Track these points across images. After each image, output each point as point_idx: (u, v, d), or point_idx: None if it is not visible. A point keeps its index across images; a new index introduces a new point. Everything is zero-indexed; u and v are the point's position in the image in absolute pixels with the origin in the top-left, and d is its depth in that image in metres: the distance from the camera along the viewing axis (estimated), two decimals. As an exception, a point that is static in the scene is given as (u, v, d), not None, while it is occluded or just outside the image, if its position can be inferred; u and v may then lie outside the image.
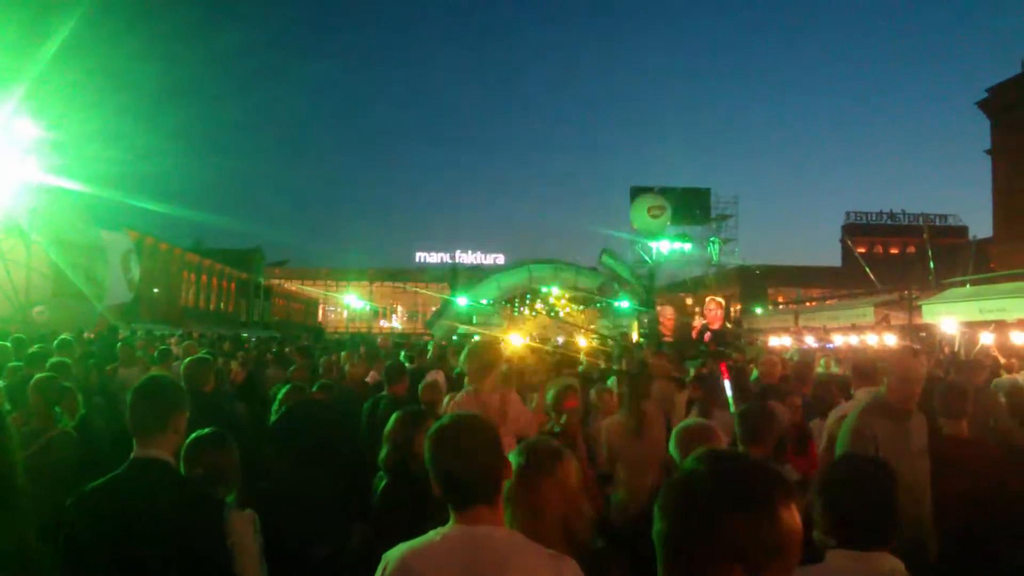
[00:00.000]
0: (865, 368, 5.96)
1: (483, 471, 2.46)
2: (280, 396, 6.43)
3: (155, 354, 10.33)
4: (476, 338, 6.36)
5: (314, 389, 7.04)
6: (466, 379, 5.71)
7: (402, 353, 13.61)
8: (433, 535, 2.44)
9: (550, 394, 6.28)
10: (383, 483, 4.24)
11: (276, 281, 64.09)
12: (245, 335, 27.65)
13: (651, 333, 35.34)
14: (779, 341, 23.14)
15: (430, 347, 15.41)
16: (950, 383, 5.28)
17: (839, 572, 2.55)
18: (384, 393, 7.41)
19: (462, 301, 46.07)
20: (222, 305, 44.25)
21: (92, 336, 16.71)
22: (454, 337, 29.25)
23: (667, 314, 39.36)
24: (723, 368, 7.27)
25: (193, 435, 3.63)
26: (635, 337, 31.53)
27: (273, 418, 6.53)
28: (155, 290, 29.10)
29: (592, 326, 46.45)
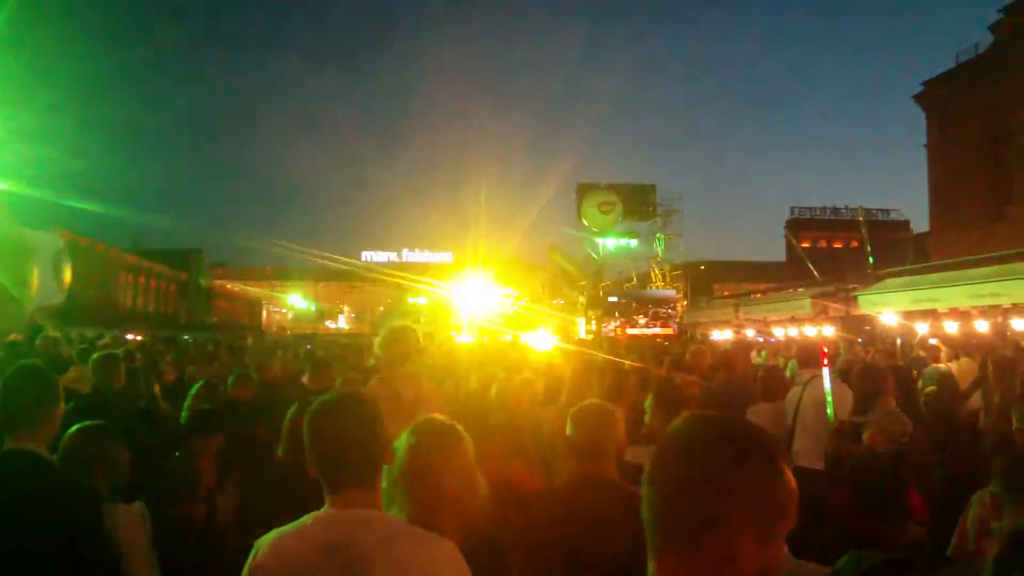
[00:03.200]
0: (804, 355, 6.85)
1: (360, 451, 2.33)
2: (193, 393, 6.24)
3: (74, 353, 10.03)
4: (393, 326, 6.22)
5: (229, 383, 6.78)
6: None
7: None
8: (305, 519, 2.32)
9: (494, 387, 6.22)
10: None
11: (218, 282, 63.18)
12: (185, 337, 27.16)
13: (598, 329, 35.53)
14: (721, 335, 23.41)
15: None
16: (868, 366, 5.40)
17: None
18: (309, 387, 7.22)
19: (419, 300, 45.97)
20: (161, 307, 43.46)
21: (18, 338, 16.21)
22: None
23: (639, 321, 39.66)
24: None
25: (73, 427, 3.52)
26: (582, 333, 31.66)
27: (184, 415, 6.35)
28: (88, 292, 28.44)
29: (540, 323, 46.67)
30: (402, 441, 2.59)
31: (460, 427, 2.78)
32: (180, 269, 47.57)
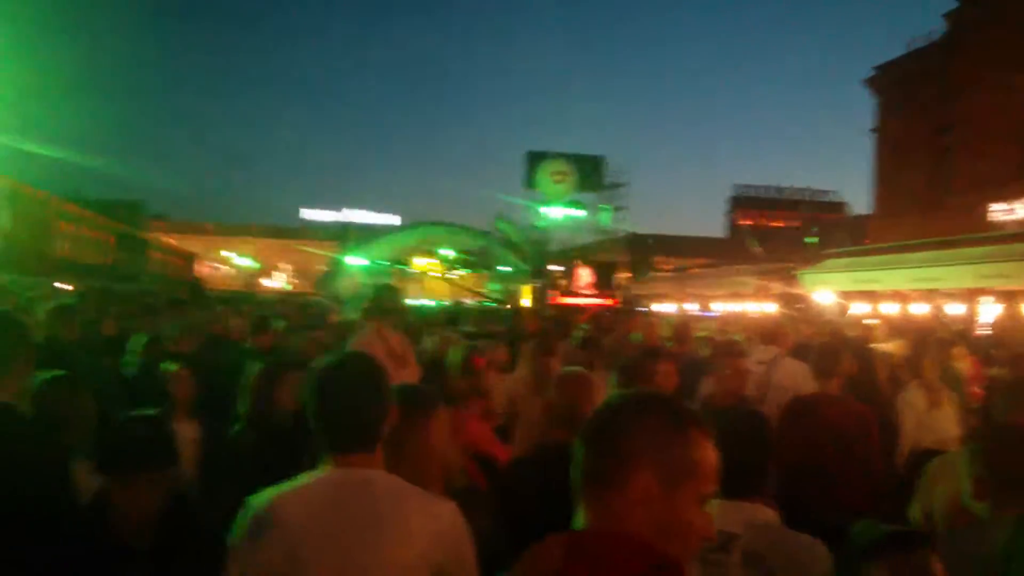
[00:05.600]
0: (768, 332, 7.31)
1: (370, 415, 2.33)
2: (137, 348, 6.14)
3: (21, 302, 9.79)
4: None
5: (170, 338, 6.68)
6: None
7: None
8: (305, 478, 2.31)
9: (455, 354, 6.27)
10: (237, 428, 4.11)
11: (156, 235, 61.77)
12: (122, 288, 26.57)
13: (541, 298, 35.65)
14: (663, 308, 23.74)
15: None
16: (824, 345, 5.56)
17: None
18: (248, 345, 7.16)
19: (361, 261, 45.52)
20: (98, 257, 42.37)
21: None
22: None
23: (582, 275, 39.78)
24: None
25: (40, 377, 3.39)
26: (527, 302, 31.78)
27: (129, 370, 6.26)
28: (24, 238, 27.64)
29: (482, 289, 46.74)
30: None
31: (434, 389, 2.83)
32: (119, 220, 46.38)
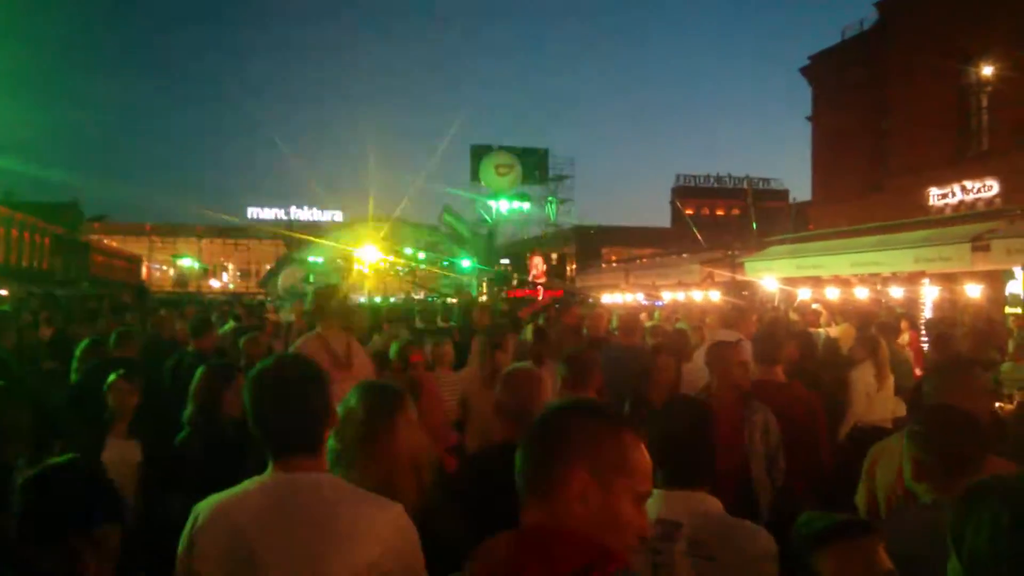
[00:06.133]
0: (730, 317, 7.63)
1: (307, 417, 2.30)
2: (79, 353, 6.05)
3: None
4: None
5: (112, 342, 6.56)
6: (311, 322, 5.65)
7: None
8: (248, 484, 2.28)
9: (393, 348, 6.29)
10: (182, 436, 4.03)
11: (95, 237, 60.48)
12: (59, 293, 26.01)
13: (492, 292, 35.63)
14: (611, 298, 23.85)
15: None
16: (765, 332, 5.65)
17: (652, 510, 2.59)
18: (189, 348, 7.02)
19: (314, 258, 45.09)
20: (35, 262, 41.38)
21: None
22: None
23: (537, 264, 39.80)
24: None
25: None
26: (479, 296, 31.73)
27: (73, 377, 6.16)
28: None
29: (432, 284, 46.63)
30: (353, 403, 2.57)
31: (406, 392, 2.80)
32: (55, 223, 45.29)
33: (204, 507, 2.27)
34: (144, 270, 69.95)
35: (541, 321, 9.79)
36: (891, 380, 6.78)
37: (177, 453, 4.05)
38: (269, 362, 2.46)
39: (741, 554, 2.52)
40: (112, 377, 4.78)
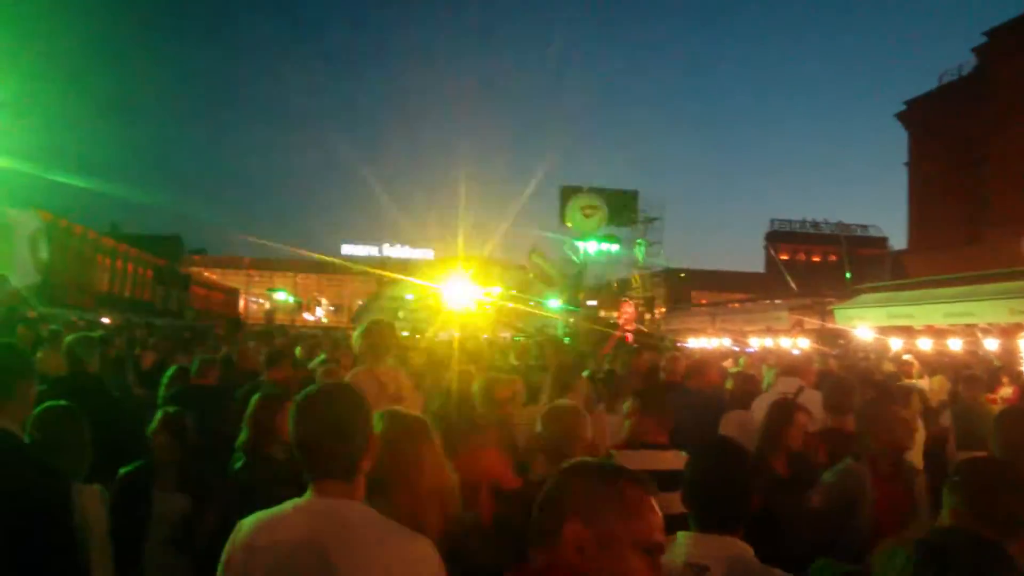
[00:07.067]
0: (791, 365, 7.34)
1: (343, 442, 2.34)
2: (165, 380, 6.29)
3: (45, 334, 9.95)
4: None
5: (193, 371, 6.78)
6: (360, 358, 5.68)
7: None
8: (287, 505, 2.35)
9: (478, 385, 6.18)
10: (238, 464, 4.09)
11: (195, 269, 62.70)
12: (159, 323, 26.96)
13: (576, 332, 35.50)
14: (698, 343, 23.54)
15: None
16: (837, 380, 5.46)
17: (682, 552, 2.56)
18: (263, 378, 7.16)
19: (406, 296, 45.79)
20: (137, 292, 43.04)
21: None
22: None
23: (627, 310, 39.60)
24: None
25: (41, 406, 3.48)
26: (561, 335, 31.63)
27: (161, 401, 6.39)
28: (65, 273, 28.17)
29: (519, 324, 46.72)
30: (378, 430, 2.60)
31: (425, 418, 2.84)
32: (158, 255, 47.17)
33: (247, 523, 2.35)
34: (241, 303, 72.07)
35: (608, 364, 9.71)
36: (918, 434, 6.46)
37: (233, 476, 4.13)
38: (314, 389, 2.51)
39: None
40: (152, 426, 4.81)
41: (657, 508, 1.87)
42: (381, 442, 2.55)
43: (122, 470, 4.28)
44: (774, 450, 4.61)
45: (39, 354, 7.77)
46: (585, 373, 8.44)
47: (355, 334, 5.98)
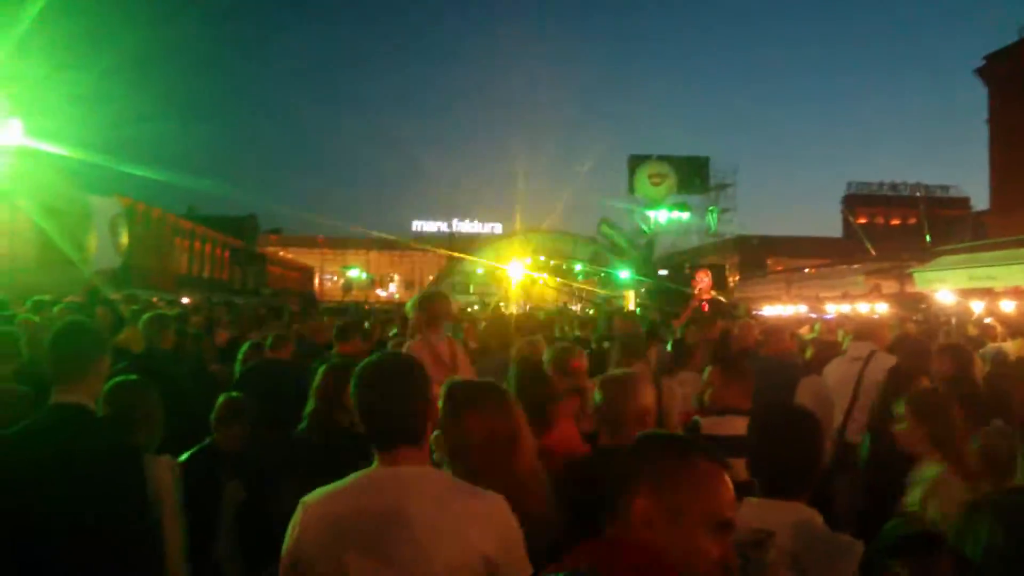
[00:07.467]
0: (864, 328, 7.00)
1: (406, 408, 2.38)
2: (240, 356, 6.45)
3: (127, 314, 10.25)
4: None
5: (267, 346, 6.92)
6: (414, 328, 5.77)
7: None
8: (357, 475, 2.37)
9: (548, 353, 6.16)
10: (302, 429, 4.17)
11: (271, 249, 63.92)
12: (238, 301, 27.58)
13: (647, 303, 35.27)
14: (773, 310, 23.14)
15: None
16: (912, 343, 5.32)
17: (747, 518, 2.51)
18: (334, 352, 7.27)
19: (476, 270, 46.14)
20: (215, 272, 44.10)
21: (76, 300, 16.59)
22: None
23: (702, 279, 39.16)
24: None
25: (112, 380, 3.56)
26: (631, 306, 31.47)
27: (235, 377, 6.56)
28: (144, 256, 29.00)
29: (589, 295, 46.61)
30: (442, 399, 2.67)
31: (497, 384, 2.88)
32: (234, 235, 48.17)
33: (312, 498, 2.35)
34: (316, 280, 73.35)
35: (680, 333, 9.60)
36: None
37: (294, 442, 4.21)
38: (374, 358, 2.55)
39: (834, 569, 2.42)
40: (215, 412, 4.83)
41: (729, 483, 1.84)
42: (447, 408, 2.62)
43: (182, 456, 4.33)
44: (889, 417, 4.51)
45: (122, 333, 8.04)
46: (668, 344, 8.41)
47: (408, 304, 6.08)
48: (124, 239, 24.08)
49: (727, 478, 1.85)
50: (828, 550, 2.47)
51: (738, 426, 4.24)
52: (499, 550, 2.28)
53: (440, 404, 2.67)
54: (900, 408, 3.80)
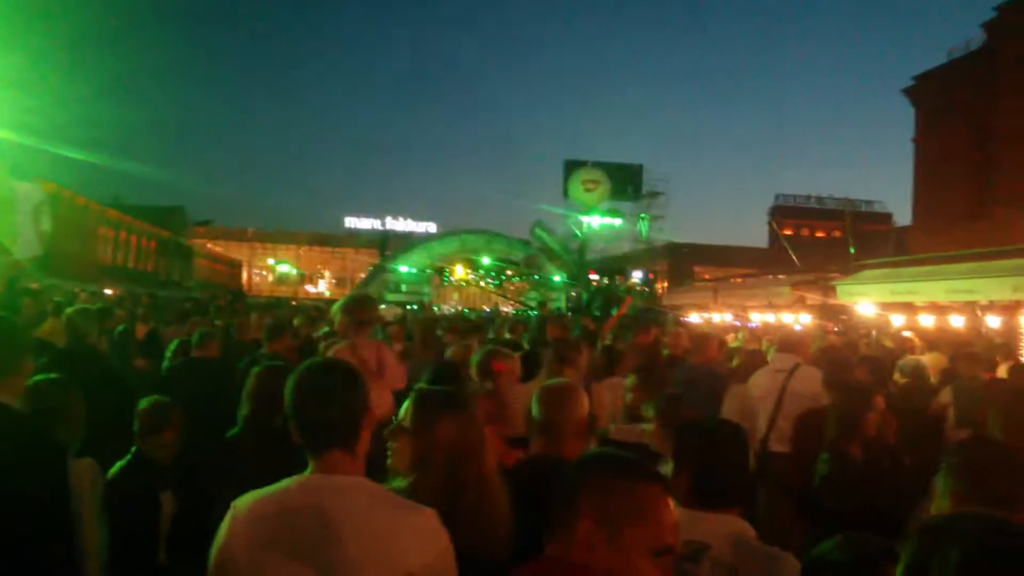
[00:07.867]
0: (788, 341, 7.09)
1: (340, 412, 2.35)
2: (168, 353, 6.33)
3: (49, 307, 9.98)
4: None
5: (193, 343, 6.80)
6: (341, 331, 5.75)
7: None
8: (288, 482, 2.32)
9: (475, 357, 6.16)
10: (235, 433, 4.11)
11: (199, 241, 62.67)
12: (162, 294, 27.00)
13: (577, 306, 35.50)
14: (699, 318, 23.52)
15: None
16: (836, 357, 5.47)
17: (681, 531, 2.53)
18: (263, 350, 7.17)
19: (401, 268, 45.81)
20: (141, 264, 43.05)
21: (-1, 290, 16.07)
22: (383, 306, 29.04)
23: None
24: None
25: (35, 378, 3.46)
26: (564, 310, 31.64)
27: (163, 374, 6.44)
28: (68, 245, 28.15)
29: (521, 298, 46.78)
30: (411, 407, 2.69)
31: (464, 396, 2.92)
32: (161, 227, 47.10)
33: (242, 502, 2.31)
34: (245, 275, 72.11)
35: (610, 339, 9.69)
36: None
37: (227, 446, 4.13)
38: (309, 363, 2.53)
39: None
40: (142, 404, 4.52)
41: (673, 507, 1.87)
42: (449, 425, 2.67)
43: (111, 471, 4.13)
44: (850, 437, 4.58)
45: (44, 325, 7.81)
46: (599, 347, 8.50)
47: (334, 308, 6.02)
48: (47, 227, 23.32)
49: (670, 502, 1.87)
50: (768, 564, 2.48)
51: (643, 434, 4.36)
52: (427, 566, 2.26)
53: (409, 413, 2.69)
54: None
